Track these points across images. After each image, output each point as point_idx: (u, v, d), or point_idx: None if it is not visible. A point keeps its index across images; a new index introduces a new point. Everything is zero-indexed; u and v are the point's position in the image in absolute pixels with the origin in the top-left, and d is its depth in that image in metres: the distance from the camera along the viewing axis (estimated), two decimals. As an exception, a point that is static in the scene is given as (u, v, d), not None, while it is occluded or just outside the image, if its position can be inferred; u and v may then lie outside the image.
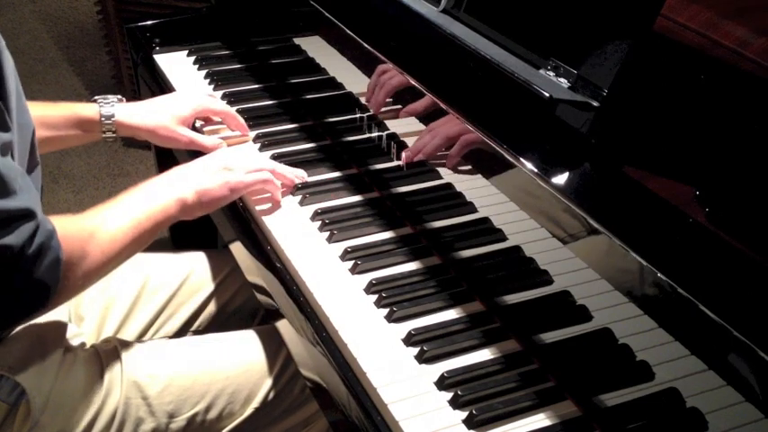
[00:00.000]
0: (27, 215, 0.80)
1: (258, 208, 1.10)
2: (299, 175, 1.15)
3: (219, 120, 1.29)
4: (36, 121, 1.09)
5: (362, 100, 1.23)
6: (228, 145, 1.24)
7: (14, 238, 0.78)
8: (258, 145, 1.25)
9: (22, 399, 0.95)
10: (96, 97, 1.21)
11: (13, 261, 0.79)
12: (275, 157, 1.20)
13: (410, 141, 1.15)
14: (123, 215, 0.95)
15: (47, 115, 1.15)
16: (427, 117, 1.10)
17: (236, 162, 1.08)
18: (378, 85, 1.18)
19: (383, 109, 1.18)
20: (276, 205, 1.11)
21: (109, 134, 1.19)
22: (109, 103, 1.20)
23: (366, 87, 1.20)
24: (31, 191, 0.83)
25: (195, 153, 1.20)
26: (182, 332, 1.24)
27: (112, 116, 1.18)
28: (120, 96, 1.22)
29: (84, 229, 0.90)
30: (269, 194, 1.12)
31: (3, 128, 0.82)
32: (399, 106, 1.15)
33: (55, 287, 0.84)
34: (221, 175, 1.06)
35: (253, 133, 1.28)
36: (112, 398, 1.01)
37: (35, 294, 0.84)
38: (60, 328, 1.04)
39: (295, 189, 1.13)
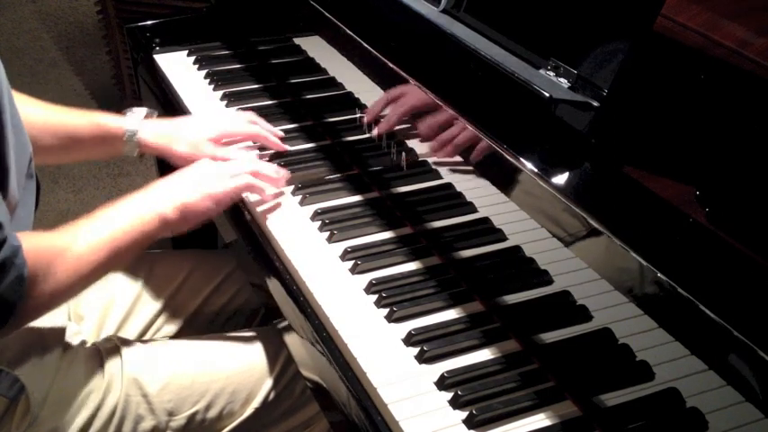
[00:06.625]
0: None
1: (259, 209, 1.10)
2: (282, 173, 1.12)
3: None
4: (60, 129, 1.09)
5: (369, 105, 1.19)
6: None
7: None
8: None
9: (21, 393, 0.95)
10: (125, 110, 1.17)
11: None
12: (280, 160, 1.20)
13: (410, 141, 1.15)
14: (97, 234, 0.92)
15: (72, 125, 1.11)
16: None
17: (216, 170, 1.05)
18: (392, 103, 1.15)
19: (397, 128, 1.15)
20: (269, 202, 1.09)
21: (131, 152, 1.16)
22: (135, 116, 1.16)
23: (367, 88, 1.20)
24: (1, 206, 0.81)
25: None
26: (182, 332, 1.24)
27: (136, 133, 1.15)
28: (150, 110, 1.18)
29: (53, 246, 0.88)
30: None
31: None
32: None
33: (18, 304, 0.82)
34: (203, 186, 1.02)
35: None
36: (112, 394, 1.02)
37: None
38: (59, 325, 1.04)
39: (296, 189, 1.13)
